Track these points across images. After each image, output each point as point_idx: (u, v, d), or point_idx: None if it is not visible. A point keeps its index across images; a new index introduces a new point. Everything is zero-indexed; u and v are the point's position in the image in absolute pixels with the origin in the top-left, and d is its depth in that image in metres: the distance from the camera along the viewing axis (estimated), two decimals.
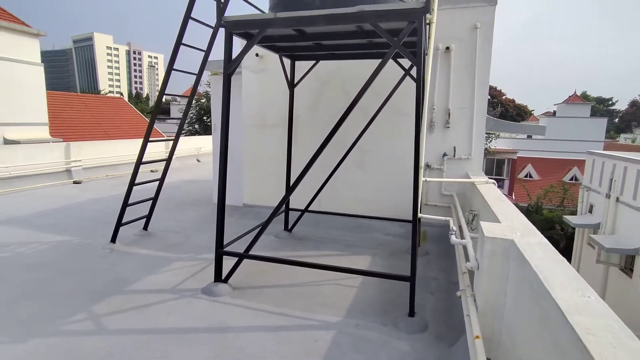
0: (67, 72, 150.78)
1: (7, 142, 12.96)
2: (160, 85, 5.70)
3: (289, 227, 6.22)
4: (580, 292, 1.69)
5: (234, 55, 3.96)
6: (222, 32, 3.92)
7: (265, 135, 6.86)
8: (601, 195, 12.85)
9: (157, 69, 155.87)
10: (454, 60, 5.58)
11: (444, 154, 5.88)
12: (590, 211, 14.04)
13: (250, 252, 4.05)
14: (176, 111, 40.48)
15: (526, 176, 31.46)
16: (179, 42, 5.08)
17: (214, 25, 4.68)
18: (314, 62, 5.66)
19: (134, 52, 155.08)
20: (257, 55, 6.59)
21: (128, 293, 4.00)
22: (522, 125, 7.33)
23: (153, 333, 3.27)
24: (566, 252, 19.83)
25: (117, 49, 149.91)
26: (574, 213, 22.50)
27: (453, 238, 3.47)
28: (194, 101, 8.39)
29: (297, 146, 6.30)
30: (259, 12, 5.30)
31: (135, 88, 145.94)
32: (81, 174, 11.11)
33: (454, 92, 5.70)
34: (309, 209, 6.08)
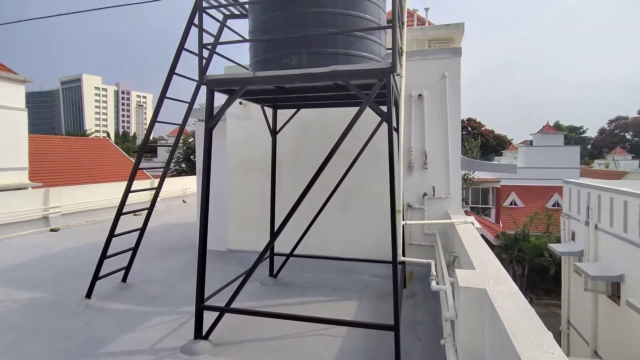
0: (53, 114, 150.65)
1: None
2: (147, 126, 5.77)
3: (274, 272, 6.20)
4: (545, 348, 1.78)
5: (218, 105, 4.12)
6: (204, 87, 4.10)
7: (249, 179, 6.97)
8: (581, 223, 13.15)
9: (145, 108, 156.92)
10: (426, 106, 5.90)
11: (424, 194, 6.05)
12: (573, 238, 14.31)
13: (234, 304, 4.02)
14: (163, 151, 40.43)
15: (511, 204, 32.06)
16: (163, 95, 5.26)
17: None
18: (296, 109, 5.88)
19: (123, 92, 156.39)
20: (240, 103, 6.81)
21: (100, 356, 3.81)
22: (494, 164, 7.65)
23: None
24: (557, 278, 20.03)
25: (105, 89, 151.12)
26: (559, 239, 22.93)
27: (433, 284, 3.55)
28: (180, 140, 8.51)
29: (281, 190, 6.40)
30: (239, 67, 5.56)
31: (123, 127, 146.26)
32: (59, 221, 10.84)
33: (429, 135, 5.96)
34: (295, 252, 6.10)
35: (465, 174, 22.44)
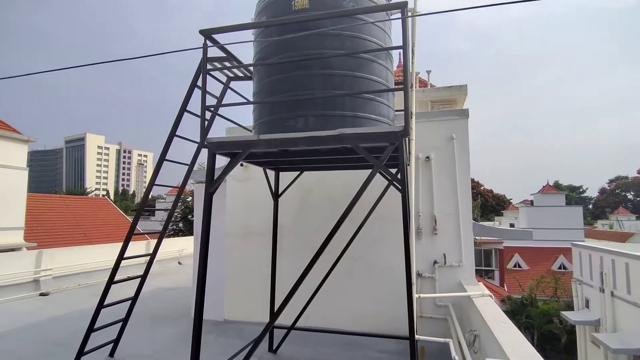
0: (55, 171, 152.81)
1: None
2: (146, 185, 5.56)
3: (274, 347, 5.64)
4: None
5: (219, 167, 3.92)
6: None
7: (249, 244, 6.62)
8: (595, 289, 12.52)
9: (146, 167, 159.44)
10: (434, 168, 5.74)
11: (435, 262, 5.69)
12: (587, 306, 13.54)
13: None
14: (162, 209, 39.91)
15: (515, 266, 31.11)
16: (162, 157, 5.11)
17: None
18: (299, 172, 5.71)
19: (124, 151, 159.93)
20: (241, 164, 6.67)
21: None
22: (509, 230, 7.33)
23: None
24: (569, 347, 18.74)
25: (107, 148, 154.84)
26: (568, 304, 21.84)
27: None
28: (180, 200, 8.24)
29: (283, 256, 6.04)
30: (242, 128, 5.48)
31: (123, 185, 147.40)
32: (50, 285, 10.30)
33: (438, 198, 5.74)
34: (296, 325, 5.59)
35: None
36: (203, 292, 3.72)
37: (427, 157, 5.77)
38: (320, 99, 3.74)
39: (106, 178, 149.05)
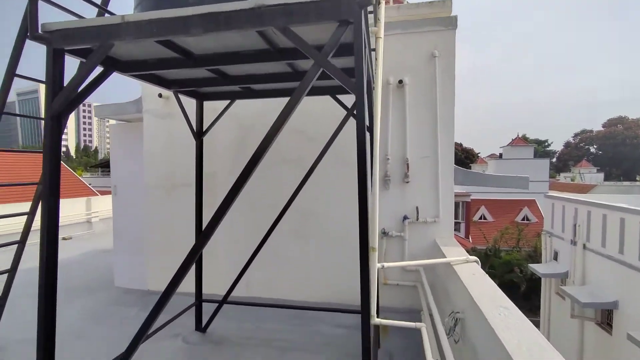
0: (9, 127, 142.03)
1: None
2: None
3: (203, 325, 4.46)
4: None
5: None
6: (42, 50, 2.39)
7: (174, 198, 5.22)
8: (565, 242, 12.11)
9: (108, 120, 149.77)
10: (409, 97, 4.40)
11: (405, 217, 4.53)
12: (556, 258, 13.27)
13: None
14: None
15: (481, 218, 31.47)
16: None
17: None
18: (228, 101, 4.25)
19: (84, 104, 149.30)
20: (160, 96, 5.11)
21: None
22: (503, 177, 6.24)
23: None
24: (527, 296, 19.23)
25: None
26: (529, 254, 22.29)
27: None
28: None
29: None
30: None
31: (85, 141, 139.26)
32: None
33: (412, 137, 4.46)
34: (233, 296, 4.41)
35: None
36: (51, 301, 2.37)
37: (400, 82, 4.40)
38: None
39: (66, 133, 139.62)
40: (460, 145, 47.19)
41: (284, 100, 2.19)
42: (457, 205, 30.35)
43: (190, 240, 4.83)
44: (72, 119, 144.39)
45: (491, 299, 2.49)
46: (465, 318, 2.78)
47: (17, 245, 4.12)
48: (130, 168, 5.68)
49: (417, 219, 4.51)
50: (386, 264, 3.54)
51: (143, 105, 5.25)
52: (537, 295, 15.71)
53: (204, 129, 4.23)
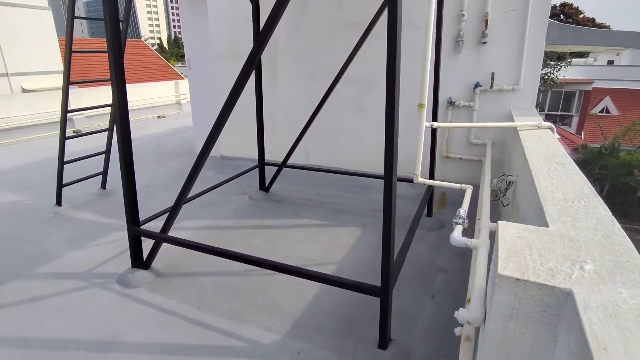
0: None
1: (25, 91, 12.46)
2: None
3: (266, 185, 4.86)
4: None
5: None
6: None
7: (239, 68, 5.28)
8: None
9: None
10: None
11: (477, 85, 3.98)
12: None
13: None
14: None
15: (602, 111, 26.80)
16: None
17: None
18: None
19: None
20: None
21: (34, 277, 3.10)
22: (606, 32, 5.03)
23: (13, 346, 2.30)
24: None
25: None
26: None
27: (455, 235, 1.89)
28: None
29: (277, 82, 4.76)
30: None
31: (175, 32, 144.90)
32: (83, 123, 10.38)
33: None
34: (293, 163, 4.64)
35: (545, 74, 17.79)
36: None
37: None
38: None
39: (158, 26, 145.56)
40: (593, 20, 38.50)
41: None
42: (571, 95, 26.04)
43: (253, 109, 5.04)
44: (161, 10, 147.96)
45: (547, 157, 2.16)
46: (517, 180, 2.50)
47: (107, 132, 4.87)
48: (200, 41, 5.82)
49: (492, 86, 3.94)
50: (436, 124, 3.23)
51: None
52: None
53: None
